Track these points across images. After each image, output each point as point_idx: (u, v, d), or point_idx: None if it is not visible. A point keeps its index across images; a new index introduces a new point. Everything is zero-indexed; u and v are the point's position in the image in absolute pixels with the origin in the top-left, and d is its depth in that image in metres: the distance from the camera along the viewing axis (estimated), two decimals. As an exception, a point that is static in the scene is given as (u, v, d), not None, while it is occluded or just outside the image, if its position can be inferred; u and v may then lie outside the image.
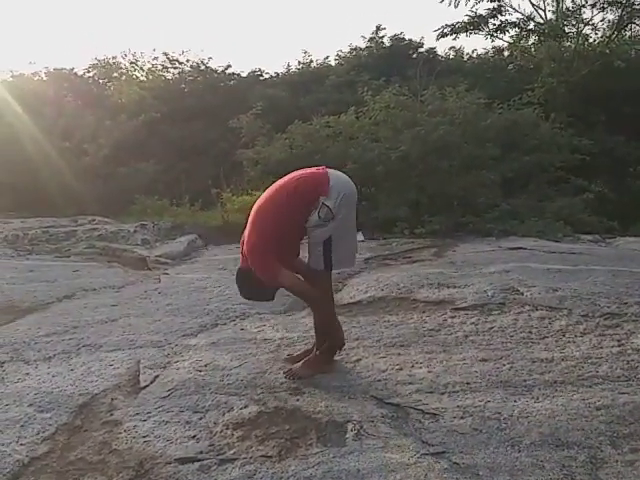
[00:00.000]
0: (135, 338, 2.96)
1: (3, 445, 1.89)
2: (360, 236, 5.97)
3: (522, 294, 3.32)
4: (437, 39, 11.83)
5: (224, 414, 2.08)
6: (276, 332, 2.96)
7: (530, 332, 2.77)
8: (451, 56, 15.42)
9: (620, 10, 10.80)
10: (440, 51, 15.02)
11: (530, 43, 13.29)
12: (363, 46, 15.20)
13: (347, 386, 2.26)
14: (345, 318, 3.14)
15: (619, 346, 2.54)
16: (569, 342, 2.62)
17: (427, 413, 2.02)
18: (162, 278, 4.37)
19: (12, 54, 24.82)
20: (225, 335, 2.94)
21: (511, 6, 12.20)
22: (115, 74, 13.31)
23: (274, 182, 2.46)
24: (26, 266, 4.71)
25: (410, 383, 2.26)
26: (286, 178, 2.40)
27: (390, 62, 13.71)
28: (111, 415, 2.14)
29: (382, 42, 15.05)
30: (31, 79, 12.07)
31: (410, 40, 14.74)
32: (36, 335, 3.00)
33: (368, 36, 14.81)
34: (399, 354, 2.56)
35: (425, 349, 2.60)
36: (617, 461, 1.71)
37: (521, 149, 6.90)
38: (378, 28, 15.06)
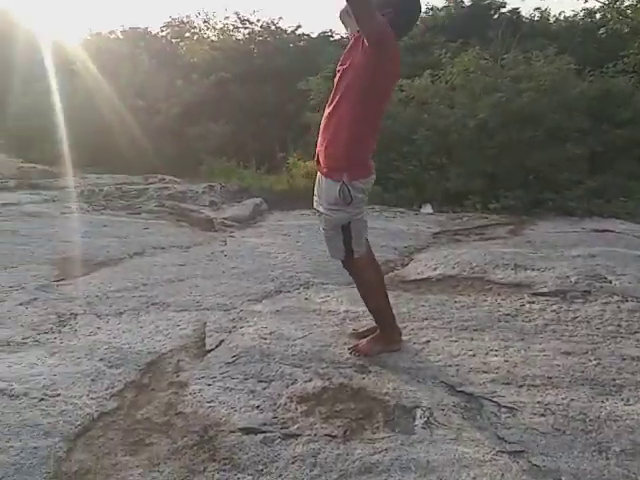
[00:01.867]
0: (202, 300, 2.98)
1: (75, 397, 1.94)
2: (429, 208, 5.75)
3: (610, 282, 3.04)
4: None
5: (288, 386, 2.04)
6: (340, 304, 2.87)
7: (619, 325, 2.53)
8: (536, 18, 14.31)
9: None
10: (524, 12, 13.97)
11: (626, 4, 12.06)
12: (440, 6, 14.39)
13: (415, 369, 2.15)
14: (412, 295, 3.02)
15: None
16: (665, 340, 2.36)
17: (504, 407, 1.88)
18: (228, 241, 4.39)
19: (90, 13, 25.56)
20: (289, 304, 2.89)
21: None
22: (187, 34, 13.42)
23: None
24: (100, 221, 4.88)
25: (485, 372, 2.12)
26: None
27: (469, 23, 12.90)
28: (177, 376, 2.16)
29: (462, 1, 14.18)
30: (108, 38, 12.39)
31: (492, 0, 13.79)
32: (108, 290, 3.09)
33: (446, -5, 13.96)
34: (472, 339, 2.41)
35: (501, 336, 2.43)
36: None
37: (613, 122, 6.30)
38: (459, -13, 14.16)
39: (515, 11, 13.99)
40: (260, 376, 2.11)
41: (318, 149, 2.19)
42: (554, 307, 2.77)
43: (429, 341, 2.39)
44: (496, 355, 2.25)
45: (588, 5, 12.91)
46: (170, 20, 13.03)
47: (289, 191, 6.35)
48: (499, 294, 3.00)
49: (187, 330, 2.57)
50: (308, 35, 13.84)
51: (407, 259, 3.76)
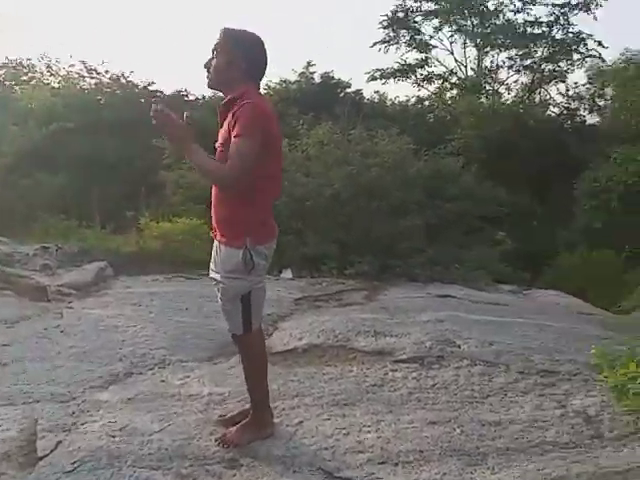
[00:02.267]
0: (31, 389, 2.49)
1: None
2: (289, 273, 5.78)
3: (459, 347, 3.26)
4: (367, 81, 12.32)
5: (145, 495, 1.74)
6: (203, 386, 2.62)
7: (473, 390, 2.69)
8: (376, 99, 16.07)
9: (532, 74, 11.91)
10: (366, 94, 15.61)
11: (450, 96, 14.25)
12: (292, 79, 15.40)
13: (290, 456, 2.00)
14: (280, 369, 2.90)
15: (561, 407, 2.51)
16: (512, 402, 2.56)
17: (382, 490, 1.82)
18: (65, 313, 3.83)
19: None
20: (143, 388, 2.55)
21: (437, 59, 13.05)
22: (24, 77, 12.27)
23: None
24: None
25: (360, 451, 2.05)
26: None
27: (319, 98, 13.96)
28: (-4, 498, 1.71)
29: (312, 78, 15.35)
30: None
31: (339, 79, 15.18)
32: None
33: (299, 70, 15.02)
34: (344, 415, 2.34)
35: (371, 409, 2.41)
36: None
37: (444, 197, 7.13)
38: (309, 64, 15.38)
39: (358, 92, 15.57)
40: (109, 485, 1.77)
41: (214, 217, 2.06)
42: (414, 374, 2.86)
43: (302, 421, 2.27)
44: (369, 431, 2.20)
45: (420, 93, 14.97)
46: (6, 61, 11.80)
47: (139, 254, 5.89)
48: (363, 362, 3.03)
49: (11, 432, 2.10)
50: (162, 92, 13.62)
51: (271, 328, 3.64)
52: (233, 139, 1.85)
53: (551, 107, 12.75)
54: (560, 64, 11.97)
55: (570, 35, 12.87)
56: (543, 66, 11.89)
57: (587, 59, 12.20)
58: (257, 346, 2.12)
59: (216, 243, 2.07)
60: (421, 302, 4.51)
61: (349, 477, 1.89)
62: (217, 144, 2.01)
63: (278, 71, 15.12)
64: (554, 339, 3.55)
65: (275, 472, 1.89)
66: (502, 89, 13.14)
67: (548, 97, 12.45)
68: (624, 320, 4.65)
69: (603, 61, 12.20)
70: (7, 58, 11.90)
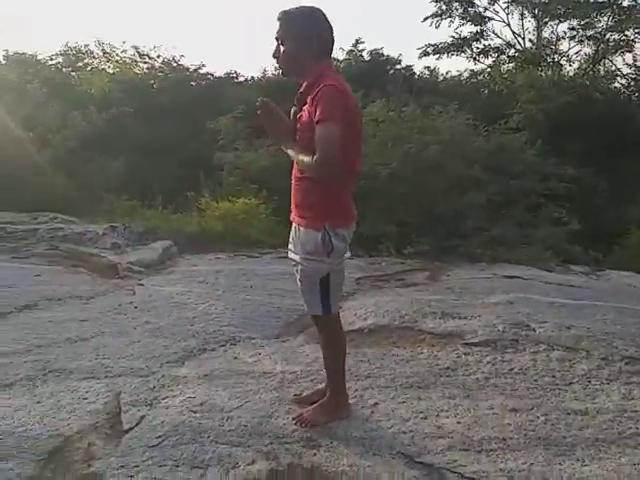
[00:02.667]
0: (112, 364, 2.57)
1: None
2: (348, 253, 5.72)
3: (534, 330, 3.12)
4: (419, 57, 11.93)
5: (228, 472, 1.76)
6: (275, 364, 2.63)
7: (554, 376, 2.56)
8: (426, 75, 15.56)
9: (596, 45, 11.14)
10: (416, 70, 15.14)
11: (507, 70, 13.58)
12: (341, 58, 15.12)
13: (368, 438, 1.97)
14: (349, 349, 2.84)
15: (651, 397, 2.36)
16: (597, 390, 2.42)
17: (467, 477, 1.76)
18: (137, 289, 3.96)
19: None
20: (217, 365, 2.59)
21: (493, 31, 12.42)
22: (80, 63, 12.66)
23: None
24: (-21, 267, 4.20)
25: (440, 437, 1.99)
26: None
27: (368, 76, 13.65)
28: (89, 466, 1.78)
29: (361, 55, 15.02)
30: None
31: (388, 56, 14.78)
32: (-7, 355, 2.57)
33: (347, 48, 14.70)
34: (419, 398, 2.29)
35: (446, 393, 2.35)
36: None
37: (506, 173, 6.83)
38: (357, 41, 15.02)
39: (409, 68, 15.10)
40: (194, 461, 1.80)
41: (293, 200, 2.03)
42: (488, 358, 2.76)
43: (377, 403, 2.23)
44: (447, 416, 2.14)
45: (476, 66, 14.36)
46: (66, 48, 12.22)
47: (201, 233, 6.01)
48: (433, 345, 2.95)
49: (97, 404, 2.18)
50: (212, 74, 13.74)
51: (335, 308, 3.62)
52: (317, 126, 1.78)
53: (618, 79, 11.91)
54: (627, 33, 11.11)
55: (638, 1, 11.90)
56: (608, 36, 11.07)
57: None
58: (336, 328, 2.09)
59: (295, 225, 2.04)
60: (488, 283, 4.36)
61: (431, 463, 1.84)
62: (297, 132, 1.96)
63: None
64: (635, 324, 3.34)
65: (354, 454, 1.87)
66: (563, 61, 12.37)
67: (614, 68, 11.62)
68: None
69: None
70: (67, 45, 12.28)
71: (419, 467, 1.82)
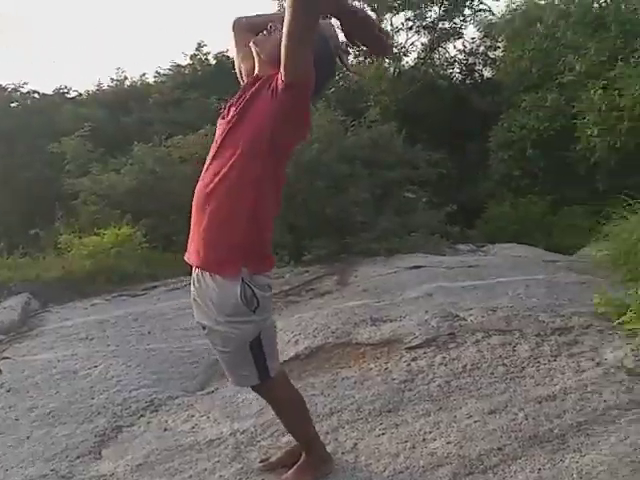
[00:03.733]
0: (3, 477, 1.94)
1: None
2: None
3: (465, 319, 3.10)
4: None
5: None
6: (218, 425, 2.21)
7: (505, 364, 2.53)
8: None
9: (431, 34, 12.07)
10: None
11: (355, 63, 14.09)
12: (184, 63, 14.42)
13: (366, 490, 1.70)
14: (293, 381, 2.55)
15: (598, 365, 2.44)
16: (550, 370, 2.43)
17: (488, 507, 1.58)
18: (2, 366, 3.16)
19: None
20: (147, 446, 2.09)
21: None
22: None
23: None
24: None
25: (439, 465, 1.79)
26: None
27: (217, 79, 13.20)
28: None
29: (207, 59, 14.48)
30: None
31: (235, 56, 14.45)
32: None
33: (190, 53, 14.03)
34: (396, 425, 2.07)
35: (419, 410, 2.16)
36: None
37: (381, 166, 7.00)
38: (200, 45, 14.44)
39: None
40: None
41: (194, 236, 1.58)
42: (437, 359, 2.65)
43: (356, 444, 1.96)
44: (434, 438, 1.95)
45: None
46: None
47: (66, 277, 5.14)
48: (377, 357, 2.76)
49: None
50: (37, 92, 12.12)
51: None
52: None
53: (454, 65, 13.11)
54: (455, 21, 12.27)
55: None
56: (440, 25, 12.14)
57: (478, 14, 12.62)
58: (283, 390, 1.72)
59: (197, 272, 1.58)
60: (397, 278, 4.33)
61: (444, 501, 1.63)
62: (220, 133, 1.58)
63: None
64: (546, 294, 3.53)
65: (361, 516, 1.58)
66: (403, 51, 13.20)
67: (448, 55, 12.78)
68: (584, 261, 4.80)
69: (493, 14, 12.71)
70: None
71: (433, 510, 1.60)
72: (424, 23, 11.83)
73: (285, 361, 2.83)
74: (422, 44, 12.71)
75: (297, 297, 4.18)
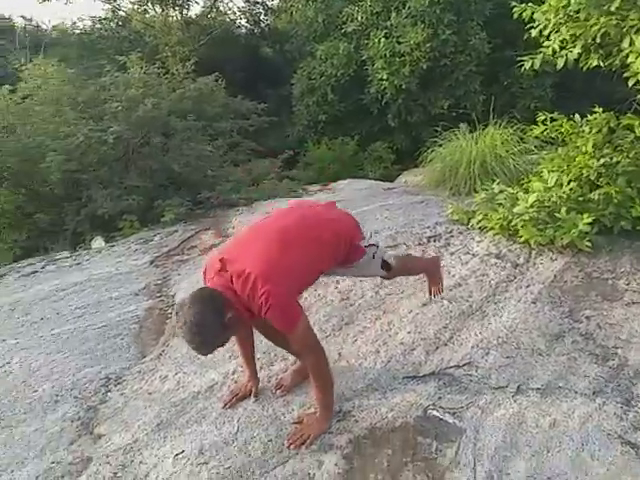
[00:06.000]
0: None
1: None
2: (100, 241, 4.95)
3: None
4: (40, 2, 10.11)
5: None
6: (202, 375, 2.29)
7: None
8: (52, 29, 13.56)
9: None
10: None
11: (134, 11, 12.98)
12: None
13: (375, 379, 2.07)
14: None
15: (474, 256, 3.17)
16: (445, 266, 3.05)
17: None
18: None
19: None
20: (147, 410, 2.08)
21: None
22: None
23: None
24: None
25: (412, 349, 2.26)
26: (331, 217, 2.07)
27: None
28: None
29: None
30: None
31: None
32: None
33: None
34: (359, 331, 2.46)
35: (370, 317, 2.58)
36: None
37: (207, 117, 6.94)
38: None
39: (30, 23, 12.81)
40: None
41: None
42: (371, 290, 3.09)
43: (340, 353, 2.29)
44: (396, 332, 2.40)
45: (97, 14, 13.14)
46: None
47: None
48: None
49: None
50: None
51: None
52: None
53: (242, 15, 13.12)
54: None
55: None
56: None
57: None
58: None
59: None
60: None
61: (431, 371, 2.10)
62: None
63: None
64: (404, 213, 4.21)
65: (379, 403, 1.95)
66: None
67: (232, 4, 12.70)
68: (411, 186, 5.73)
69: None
70: None
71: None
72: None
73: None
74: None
75: (183, 256, 4.14)
